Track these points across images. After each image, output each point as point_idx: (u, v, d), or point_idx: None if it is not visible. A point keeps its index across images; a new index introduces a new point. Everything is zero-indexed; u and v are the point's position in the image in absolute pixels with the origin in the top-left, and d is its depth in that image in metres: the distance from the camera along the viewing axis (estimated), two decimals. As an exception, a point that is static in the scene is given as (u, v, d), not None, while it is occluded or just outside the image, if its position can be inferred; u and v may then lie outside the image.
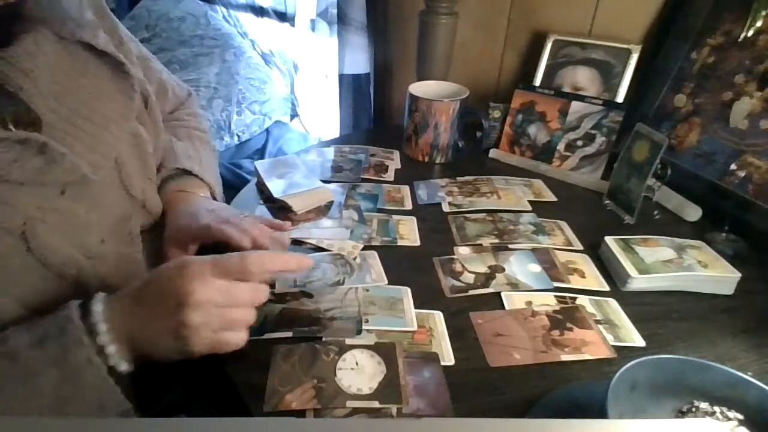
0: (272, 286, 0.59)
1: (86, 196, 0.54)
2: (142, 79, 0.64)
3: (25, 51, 0.50)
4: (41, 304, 0.50)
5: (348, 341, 0.51)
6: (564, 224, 0.74)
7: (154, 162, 0.64)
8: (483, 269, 0.64)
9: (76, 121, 0.53)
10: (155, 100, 0.66)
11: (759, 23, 0.74)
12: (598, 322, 0.57)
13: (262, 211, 0.73)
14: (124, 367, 0.45)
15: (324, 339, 0.52)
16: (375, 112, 1.26)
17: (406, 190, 0.82)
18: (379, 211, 0.76)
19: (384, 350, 0.51)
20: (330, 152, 0.93)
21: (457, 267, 0.64)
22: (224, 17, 1.76)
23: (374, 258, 0.65)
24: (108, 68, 0.58)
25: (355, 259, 0.64)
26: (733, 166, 0.74)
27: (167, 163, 0.67)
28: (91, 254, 0.54)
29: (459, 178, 0.86)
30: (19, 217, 0.48)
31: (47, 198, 0.50)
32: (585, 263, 0.66)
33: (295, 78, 1.65)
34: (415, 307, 0.57)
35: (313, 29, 1.41)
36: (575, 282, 0.63)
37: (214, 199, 0.70)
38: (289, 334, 0.52)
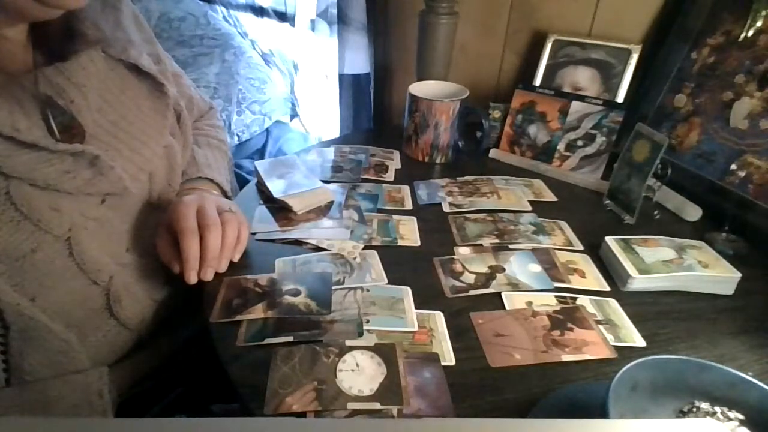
0: (264, 286, 0.59)
1: (121, 206, 0.56)
2: (177, 96, 0.67)
3: (81, 66, 0.52)
4: (71, 311, 0.51)
5: (348, 342, 0.51)
6: (564, 224, 0.74)
7: (180, 171, 0.66)
8: (483, 269, 0.64)
9: (117, 134, 0.56)
10: (187, 115, 0.69)
11: (759, 23, 0.74)
12: (598, 322, 0.57)
13: (262, 211, 0.73)
14: None
15: (324, 341, 0.52)
16: (375, 112, 1.26)
17: (406, 190, 0.82)
18: (380, 211, 0.76)
19: (384, 351, 0.51)
20: (330, 152, 0.93)
21: (458, 267, 0.64)
22: (224, 17, 1.76)
23: (374, 258, 0.65)
24: (146, 87, 0.61)
25: (355, 259, 0.64)
26: (733, 166, 0.74)
27: (189, 169, 0.69)
28: (120, 262, 0.56)
29: (459, 178, 0.86)
30: (66, 224, 0.50)
31: (89, 206, 0.53)
32: (585, 263, 0.66)
33: (295, 78, 1.65)
34: (416, 308, 0.57)
35: (313, 29, 1.41)
36: (575, 282, 0.63)
37: None
38: (290, 338, 0.52)
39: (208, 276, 0.57)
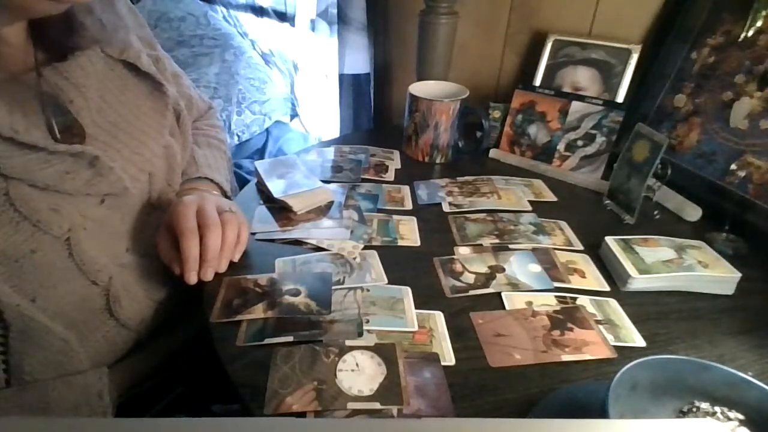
0: (265, 286, 0.59)
1: (121, 206, 0.56)
2: (176, 96, 0.67)
3: (79, 67, 0.52)
4: (70, 312, 0.51)
5: (348, 342, 0.51)
6: (564, 224, 0.74)
7: (180, 171, 0.66)
8: (483, 269, 0.64)
9: (116, 134, 0.56)
10: (186, 115, 0.69)
11: (759, 23, 0.74)
12: (598, 322, 0.57)
13: (262, 211, 0.73)
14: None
15: (324, 341, 0.52)
16: (375, 112, 1.26)
17: (406, 190, 0.82)
18: (379, 211, 0.76)
19: (384, 351, 0.51)
20: (330, 152, 0.93)
21: (458, 267, 0.64)
22: (224, 17, 1.76)
23: (374, 258, 0.65)
24: (146, 86, 0.61)
25: (355, 259, 0.64)
26: (733, 166, 0.74)
27: (189, 169, 0.69)
28: (120, 262, 0.56)
29: (459, 178, 0.86)
30: (66, 225, 0.50)
31: (88, 207, 0.53)
32: (585, 263, 0.66)
33: (295, 78, 1.65)
34: (416, 308, 0.57)
35: (313, 29, 1.41)
36: (575, 282, 0.63)
37: None
38: (290, 338, 0.52)
39: (208, 276, 0.57)
